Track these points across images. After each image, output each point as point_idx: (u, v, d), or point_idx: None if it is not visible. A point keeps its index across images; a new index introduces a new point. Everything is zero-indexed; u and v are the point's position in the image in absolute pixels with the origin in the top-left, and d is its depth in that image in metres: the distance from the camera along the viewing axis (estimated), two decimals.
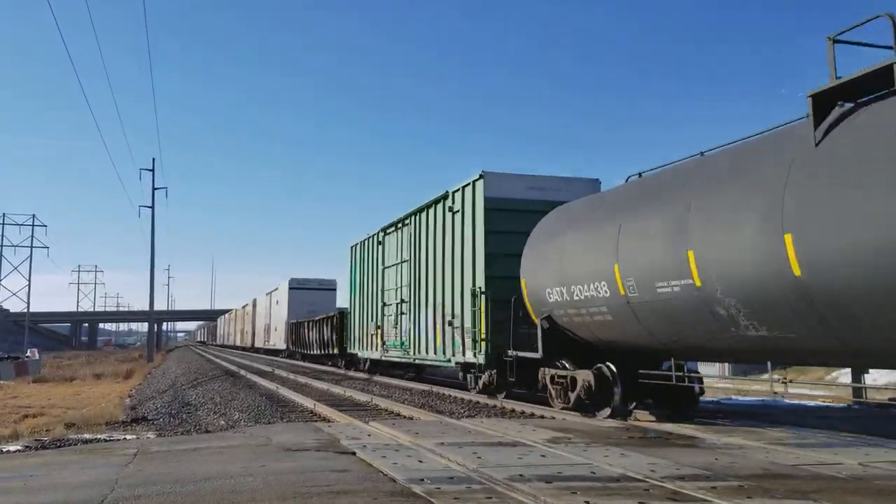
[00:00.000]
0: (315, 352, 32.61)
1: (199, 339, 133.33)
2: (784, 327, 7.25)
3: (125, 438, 9.57)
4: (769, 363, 8.42)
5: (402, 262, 18.62)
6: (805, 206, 6.71)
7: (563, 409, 11.09)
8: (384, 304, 20.24)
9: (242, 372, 27.12)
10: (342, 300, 46.59)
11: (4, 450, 8.60)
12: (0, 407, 17.97)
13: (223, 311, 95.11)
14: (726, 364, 22.62)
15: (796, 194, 6.80)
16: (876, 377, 16.34)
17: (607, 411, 10.30)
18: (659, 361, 10.12)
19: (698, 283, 7.98)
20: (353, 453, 7.12)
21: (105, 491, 5.42)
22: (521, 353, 12.21)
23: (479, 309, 13.48)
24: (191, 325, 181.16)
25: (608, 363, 10.40)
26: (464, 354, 14.25)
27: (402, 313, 18.45)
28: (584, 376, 10.53)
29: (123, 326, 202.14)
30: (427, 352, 16.61)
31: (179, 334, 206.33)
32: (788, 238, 6.78)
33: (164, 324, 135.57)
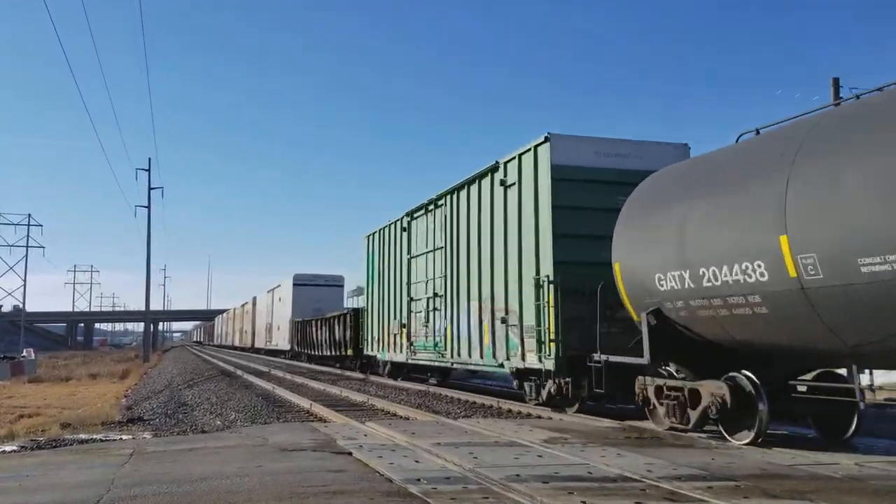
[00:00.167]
0: (324, 353, 29.92)
1: (195, 340, 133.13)
2: None
3: (121, 439, 9.55)
4: None
5: (434, 250, 16.09)
6: None
7: (671, 428, 8.78)
8: (411, 300, 17.60)
9: (239, 372, 27.08)
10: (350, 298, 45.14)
11: (0, 450, 8.57)
12: None
13: (219, 311, 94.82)
14: None
15: None
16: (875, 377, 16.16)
17: (748, 436, 7.72)
18: (798, 370, 8.24)
19: None
20: (350, 453, 7.11)
21: (101, 491, 5.41)
22: (614, 358, 9.72)
23: (547, 302, 11.09)
24: (187, 325, 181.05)
25: (744, 371, 7.87)
26: (523, 358, 11.86)
27: (434, 309, 15.92)
28: (714, 389, 7.98)
29: (119, 326, 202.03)
30: (470, 354, 14.10)
31: (176, 334, 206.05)
32: None
33: (161, 324, 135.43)
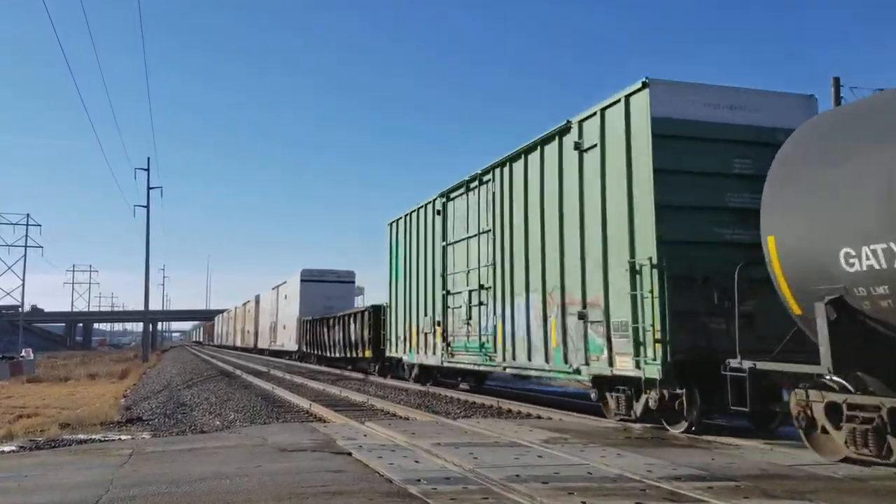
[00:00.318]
0: (337, 354, 27.43)
1: (194, 340, 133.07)
2: None
3: (120, 439, 9.55)
4: None
5: (479, 234, 13.61)
6: None
7: (857, 461, 6.47)
8: (448, 293, 15.04)
9: (238, 372, 27.07)
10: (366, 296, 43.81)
11: None
12: None
13: (218, 311, 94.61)
14: None
15: None
16: None
17: None
18: None
19: None
20: (349, 454, 7.10)
21: (100, 491, 5.40)
22: (767, 366, 7.43)
23: (649, 293, 8.69)
24: (186, 325, 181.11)
25: None
26: (610, 363, 9.44)
27: (479, 304, 13.53)
28: None
29: (118, 326, 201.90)
30: (530, 357, 11.66)
31: (175, 334, 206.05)
32: None
33: (160, 324, 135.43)
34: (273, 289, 44.78)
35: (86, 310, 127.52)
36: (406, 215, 18.16)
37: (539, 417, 11.15)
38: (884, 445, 6.23)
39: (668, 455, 6.99)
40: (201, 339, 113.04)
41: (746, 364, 7.53)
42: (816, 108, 9.88)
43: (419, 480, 5.69)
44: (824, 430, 6.82)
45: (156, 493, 5.33)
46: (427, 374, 17.76)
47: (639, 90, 9.26)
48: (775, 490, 5.41)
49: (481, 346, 13.38)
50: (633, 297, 9.01)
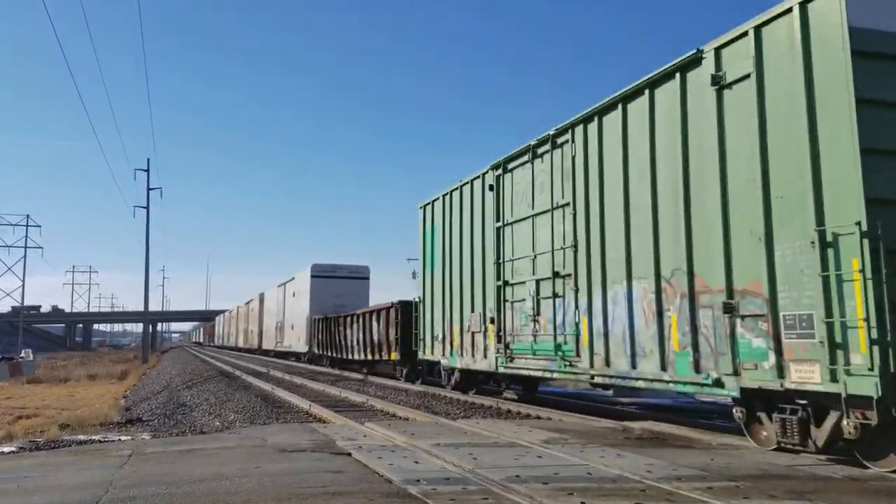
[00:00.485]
0: (356, 356, 24.79)
1: (194, 340, 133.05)
2: None
3: (120, 440, 9.54)
4: None
5: (552, 210, 11.17)
6: None
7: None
8: (505, 284, 12.59)
9: (238, 373, 27.07)
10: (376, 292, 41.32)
11: None
12: None
13: (218, 312, 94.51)
14: None
15: None
16: None
17: None
18: None
19: None
20: (349, 454, 7.11)
21: (100, 492, 5.40)
22: None
23: (857, 273, 6.35)
24: (186, 326, 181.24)
25: None
26: (780, 372, 7.03)
27: (553, 296, 10.99)
28: None
29: (118, 327, 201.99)
30: (635, 362, 9.09)
31: (174, 335, 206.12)
32: None
33: (159, 325, 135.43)
34: (279, 286, 42.16)
35: (85, 310, 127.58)
36: (445, 195, 15.56)
37: (538, 418, 11.15)
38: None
39: (667, 455, 6.99)
40: (201, 340, 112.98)
41: None
42: None
43: (419, 481, 5.69)
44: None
45: (155, 493, 5.33)
46: (471, 380, 15.09)
47: None
48: (775, 490, 5.41)
49: (557, 348, 10.85)
50: (825, 281, 6.59)
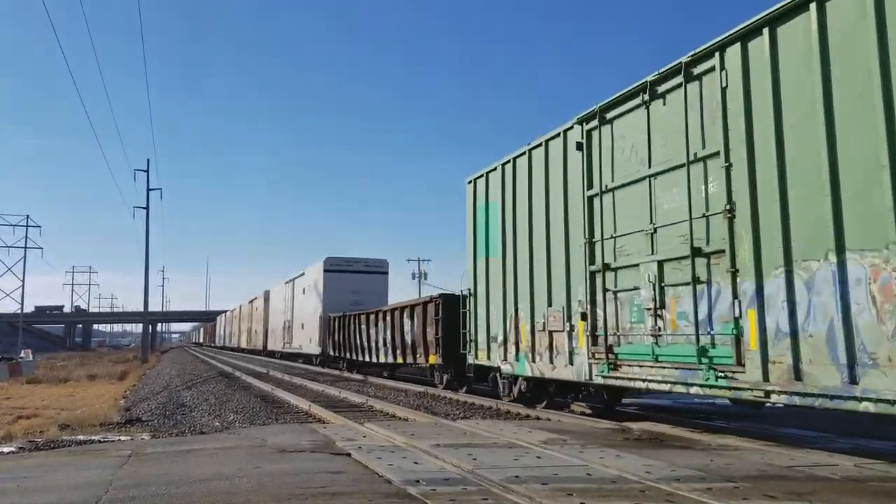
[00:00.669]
0: (381, 359, 22.02)
1: (194, 341, 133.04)
2: None
3: (119, 440, 9.55)
4: None
5: (686, 165, 8.39)
6: None
7: None
8: (604, 269, 9.81)
9: (237, 373, 27.07)
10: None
11: None
12: None
13: (219, 313, 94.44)
14: None
15: None
16: None
17: None
18: None
19: None
20: (349, 455, 7.11)
21: (99, 492, 5.41)
22: None
23: None
24: (185, 327, 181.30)
25: None
26: None
27: (694, 282, 8.22)
28: None
29: (118, 327, 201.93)
30: (854, 375, 6.33)
31: (174, 335, 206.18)
32: None
33: (159, 325, 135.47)
34: (287, 282, 39.09)
35: (85, 311, 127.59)
36: (505, 163, 12.83)
37: (538, 419, 11.15)
38: None
39: (666, 456, 7.00)
40: (201, 341, 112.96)
41: None
42: None
43: (418, 481, 5.70)
44: None
45: (155, 494, 5.34)
46: (541, 391, 12.21)
47: None
48: (774, 491, 5.41)
49: (700, 353, 8.03)
50: None
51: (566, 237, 10.87)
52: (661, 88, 9.00)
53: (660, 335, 8.73)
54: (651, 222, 9.05)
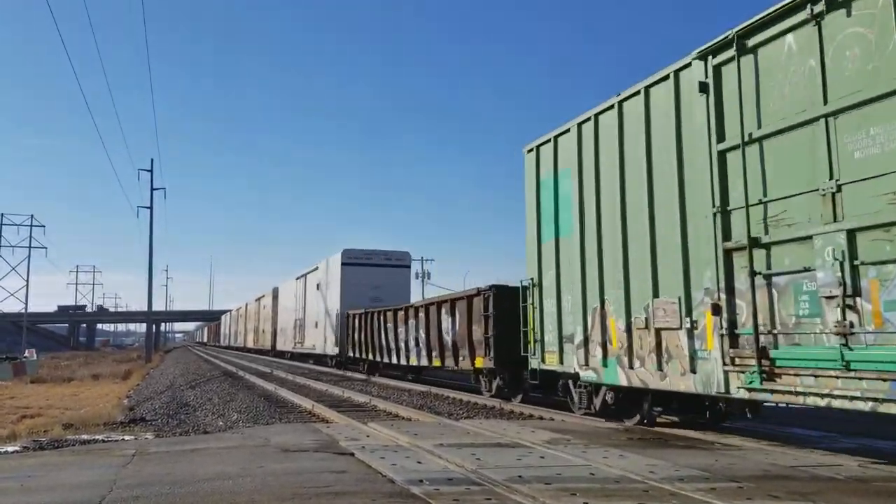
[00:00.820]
0: (414, 361, 19.21)
1: (198, 340, 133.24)
2: None
3: (123, 439, 9.56)
4: None
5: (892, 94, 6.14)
6: None
7: None
8: (751, 245, 7.40)
9: (241, 373, 27.10)
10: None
11: (2, 451, 8.59)
12: None
13: (222, 312, 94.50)
14: None
15: None
16: None
17: None
18: None
19: None
20: (352, 454, 7.12)
21: (103, 492, 5.42)
22: None
23: None
24: (189, 326, 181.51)
25: None
26: None
27: None
28: None
29: (121, 327, 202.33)
30: None
31: (177, 335, 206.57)
32: None
33: (163, 325, 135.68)
34: (298, 278, 36.26)
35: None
36: (584, 121, 10.49)
37: (541, 418, 11.14)
38: None
39: (670, 456, 6.99)
40: (205, 340, 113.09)
41: None
42: None
43: (422, 481, 5.70)
44: None
45: (159, 493, 5.35)
46: (634, 402, 9.80)
47: None
48: (778, 491, 5.40)
49: None
50: None
51: (681, 207, 8.46)
52: None
53: (852, 333, 6.40)
54: (831, 178, 6.68)
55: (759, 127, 7.48)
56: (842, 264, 6.52)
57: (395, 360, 20.79)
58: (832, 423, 9.97)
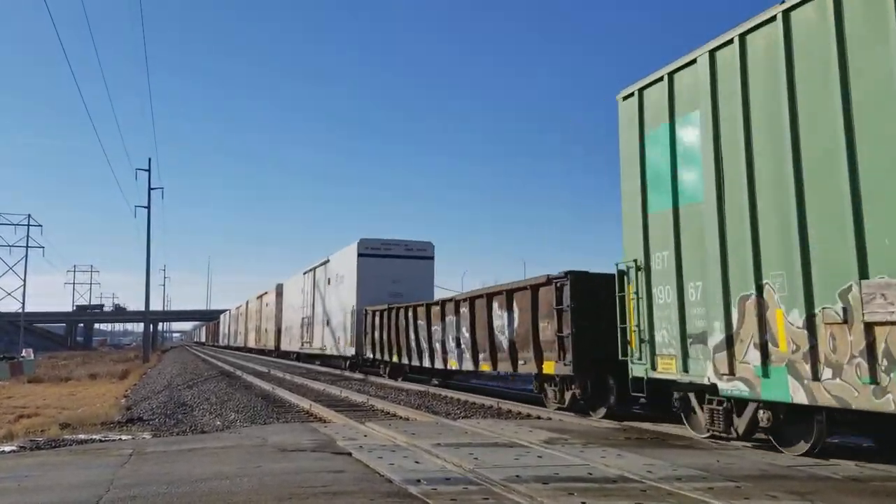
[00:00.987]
0: (454, 365, 16.33)
1: (195, 340, 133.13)
2: None
3: (121, 439, 9.55)
4: None
5: None
6: None
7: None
8: None
9: (238, 373, 27.07)
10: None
11: None
12: None
13: (219, 312, 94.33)
14: None
15: None
16: None
17: None
18: None
19: None
20: (350, 454, 7.11)
21: (100, 491, 5.41)
22: None
23: None
24: (186, 326, 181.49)
25: None
26: None
27: None
28: None
29: (119, 327, 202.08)
30: None
31: (175, 335, 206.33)
32: None
33: (160, 324, 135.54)
34: (305, 272, 33.22)
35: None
36: (716, 49, 8.00)
37: (539, 418, 11.14)
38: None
39: (668, 456, 6.99)
40: (203, 340, 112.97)
41: None
42: None
43: (419, 481, 5.69)
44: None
45: (156, 493, 5.34)
46: (806, 424, 7.14)
47: None
48: (776, 491, 5.41)
49: None
50: None
51: None
52: None
53: None
54: None
55: None
56: None
57: (426, 363, 17.96)
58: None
